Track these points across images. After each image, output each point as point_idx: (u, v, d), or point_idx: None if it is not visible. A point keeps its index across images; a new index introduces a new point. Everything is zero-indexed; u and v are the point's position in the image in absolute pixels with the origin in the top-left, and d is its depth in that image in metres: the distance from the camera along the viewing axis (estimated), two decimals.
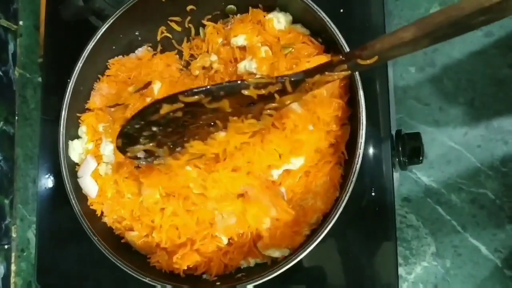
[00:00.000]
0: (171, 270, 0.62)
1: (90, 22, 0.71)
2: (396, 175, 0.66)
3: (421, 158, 0.60)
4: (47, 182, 0.74)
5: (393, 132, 0.65)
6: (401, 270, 0.67)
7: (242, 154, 0.57)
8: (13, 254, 0.81)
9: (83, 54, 0.64)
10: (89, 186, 0.64)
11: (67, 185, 0.62)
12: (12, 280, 0.81)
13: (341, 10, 0.67)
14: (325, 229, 0.55)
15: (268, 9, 0.65)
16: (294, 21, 0.64)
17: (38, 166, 0.77)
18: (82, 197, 0.64)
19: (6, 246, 0.80)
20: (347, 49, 0.57)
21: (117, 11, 0.63)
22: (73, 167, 0.65)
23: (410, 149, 0.61)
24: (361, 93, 0.56)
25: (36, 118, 0.82)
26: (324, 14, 0.58)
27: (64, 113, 0.63)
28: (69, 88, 0.63)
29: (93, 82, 0.68)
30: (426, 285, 0.67)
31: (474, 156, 0.67)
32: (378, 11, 0.67)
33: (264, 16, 0.64)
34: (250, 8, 0.65)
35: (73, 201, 0.62)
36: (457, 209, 0.67)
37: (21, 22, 0.86)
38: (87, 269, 0.70)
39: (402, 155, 0.62)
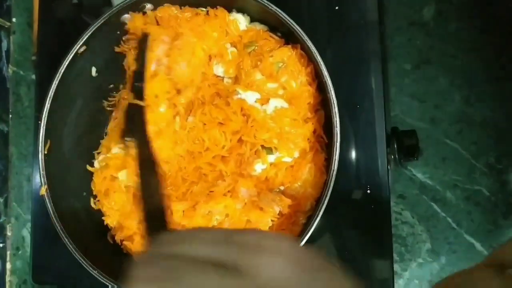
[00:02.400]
0: None
1: (83, 19, 0.71)
2: (391, 172, 0.66)
3: (416, 155, 0.60)
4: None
5: (389, 130, 0.65)
6: (396, 267, 0.68)
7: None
8: (8, 253, 0.81)
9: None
10: None
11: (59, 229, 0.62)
12: (8, 278, 0.80)
13: (336, 8, 0.67)
14: (319, 212, 0.55)
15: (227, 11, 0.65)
16: (252, 20, 0.65)
17: (32, 164, 0.77)
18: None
19: (1, 245, 0.80)
20: (305, 37, 0.58)
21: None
22: None
23: (406, 147, 0.61)
24: (326, 74, 0.57)
25: (30, 116, 0.81)
26: (277, 8, 0.59)
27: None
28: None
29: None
30: (422, 282, 0.68)
31: (469, 153, 0.68)
32: (373, 8, 0.67)
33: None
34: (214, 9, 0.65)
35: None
36: (452, 206, 0.68)
37: (14, 19, 0.85)
38: (82, 268, 0.69)
39: (397, 152, 0.62)
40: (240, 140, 0.59)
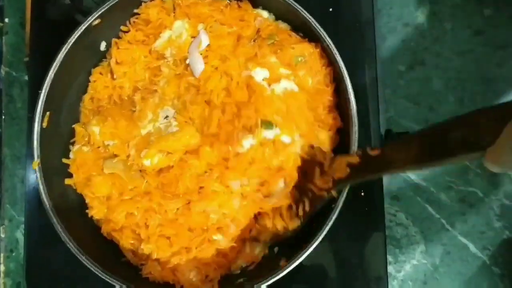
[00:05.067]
0: (166, 281, 0.61)
1: (77, 20, 0.70)
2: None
3: None
4: (35, 181, 0.73)
5: (383, 132, 0.65)
6: (390, 268, 0.68)
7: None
8: (1, 255, 0.80)
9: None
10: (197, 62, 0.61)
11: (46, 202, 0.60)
12: (2, 280, 0.80)
13: (330, 9, 0.67)
14: (331, 219, 0.55)
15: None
16: (276, 18, 0.65)
17: (26, 166, 0.76)
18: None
19: None
20: (331, 44, 0.58)
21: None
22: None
23: None
24: (346, 76, 0.57)
25: (23, 118, 0.80)
26: (301, 8, 0.59)
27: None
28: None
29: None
30: (416, 283, 0.68)
31: None
32: (367, 10, 0.67)
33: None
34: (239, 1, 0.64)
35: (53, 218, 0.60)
36: (446, 207, 0.68)
37: (6, 20, 0.84)
38: (77, 270, 0.69)
39: None
40: (238, 116, 0.58)
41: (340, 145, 0.61)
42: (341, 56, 0.66)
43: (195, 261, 0.60)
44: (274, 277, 0.55)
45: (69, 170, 0.64)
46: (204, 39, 0.61)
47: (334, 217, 0.55)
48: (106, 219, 0.63)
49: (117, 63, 0.65)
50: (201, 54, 0.61)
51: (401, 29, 0.71)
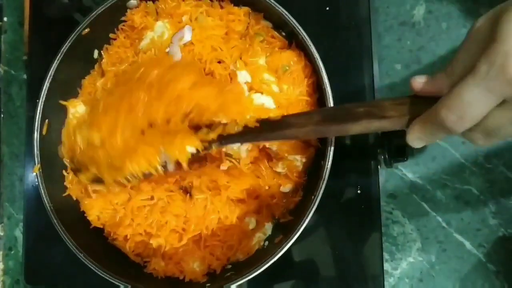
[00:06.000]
0: (168, 276, 0.62)
1: (75, 19, 0.70)
2: (381, 172, 0.66)
3: (406, 156, 0.61)
4: (34, 180, 0.74)
5: None
6: (387, 266, 0.68)
7: None
8: (0, 253, 0.81)
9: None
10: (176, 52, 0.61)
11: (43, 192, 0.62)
12: (0, 278, 0.80)
13: (327, 8, 0.67)
14: (309, 212, 0.56)
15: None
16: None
17: (24, 164, 0.76)
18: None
19: None
20: (309, 42, 0.58)
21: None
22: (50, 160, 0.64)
23: (396, 147, 0.61)
24: (327, 87, 0.57)
25: (22, 116, 0.81)
26: (283, 9, 0.59)
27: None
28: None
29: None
30: (412, 280, 0.68)
31: (459, 152, 0.68)
32: (364, 9, 0.67)
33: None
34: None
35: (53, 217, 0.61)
36: (442, 205, 0.68)
37: (5, 18, 0.84)
38: (76, 268, 0.69)
39: (388, 152, 0.62)
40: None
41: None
42: (337, 55, 0.67)
43: (203, 250, 0.62)
44: (256, 271, 0.56)
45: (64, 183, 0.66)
46: (187, 34, 0.61)
47: (314, 208, 0.56)
48: (107, 231, 0.64)
49: (107, 64, 0.67)
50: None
51: (397, 28, 0.71)
